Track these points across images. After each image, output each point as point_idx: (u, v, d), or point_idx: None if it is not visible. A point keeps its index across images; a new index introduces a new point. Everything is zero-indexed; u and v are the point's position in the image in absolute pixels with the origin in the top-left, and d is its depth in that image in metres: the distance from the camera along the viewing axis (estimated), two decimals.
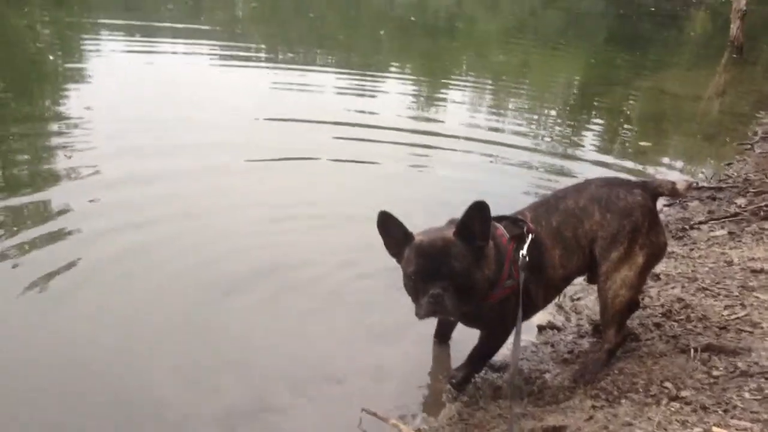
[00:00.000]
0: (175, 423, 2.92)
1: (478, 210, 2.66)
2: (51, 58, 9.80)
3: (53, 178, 5.25)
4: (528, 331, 3.65)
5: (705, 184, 6.20)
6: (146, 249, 4.31)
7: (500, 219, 2.98)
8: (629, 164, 6.98)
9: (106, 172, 5.37)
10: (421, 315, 2.71)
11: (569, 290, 4.03)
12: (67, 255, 4.12)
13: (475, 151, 6.98)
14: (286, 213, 4.95)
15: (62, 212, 4.69)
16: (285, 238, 4.60)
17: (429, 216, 4.86)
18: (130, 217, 4.66)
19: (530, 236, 2.91)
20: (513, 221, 2.99)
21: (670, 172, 6.81)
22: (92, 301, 3.73)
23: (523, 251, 2.86)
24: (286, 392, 3.14)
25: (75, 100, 7.53)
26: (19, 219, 4.57)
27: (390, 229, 2.75)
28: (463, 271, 2.66)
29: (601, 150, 7.53)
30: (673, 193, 3.15)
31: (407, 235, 2.75)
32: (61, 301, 3.69)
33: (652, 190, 3.11)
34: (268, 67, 10.69)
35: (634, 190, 3.07)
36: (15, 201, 4.81)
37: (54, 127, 6.51)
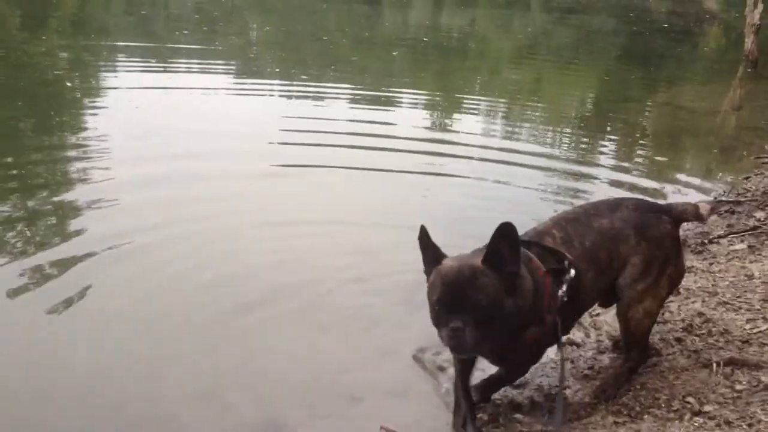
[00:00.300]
0: None
1: (505, 233, 2.43)
2: (68, 84, 9.94)
3: (72, 208, 5.29)
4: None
5: (724, 198, 6.15)
6: (158, 264, 4.35)
7: (530, 245, 2.72)
8: (645, 180, 6.95)
9: (123, 200, 5.37)
10: (444, 346, 2.57)
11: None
12: (81, 272, 4.19)
13: (491, 163, 7.03)
14: (298, 227, 5.00)
15: (79, 231, 4.76)
16: (298, 253, 4.62)
17: (442, 229, 4.92)
18: (143, 235, 4.71)
19: (572, 271, 2.67)
20: (548, 251, 2.72)
21: (686, 189, 6.75)
22: (102, 316, 3.75)
23: (563, 290, 2.63)
24: (300, 410, 3.12)
25: (91, 124, 7.65)
26: (35, 238, 4.64)
27: (426, 246, 2.58)
28: (491, 304, 2.40)
29: (617, 166, 7.50)
30: (697, 218, 3.13)
31: (437, 257, 2.57)
32: (72, 315, 3.73)
33: (677, 216, 3.06)
34: (282, 88, 10.81)
35: (664, 217, 2.99)
36: (30, 218, 4.92)
37: (71, 152, 6.59)
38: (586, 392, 3.17)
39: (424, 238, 2.57)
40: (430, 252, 2.57)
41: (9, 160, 6.14)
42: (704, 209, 3.07)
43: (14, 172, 5.81)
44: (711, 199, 3.18)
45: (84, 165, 6.08)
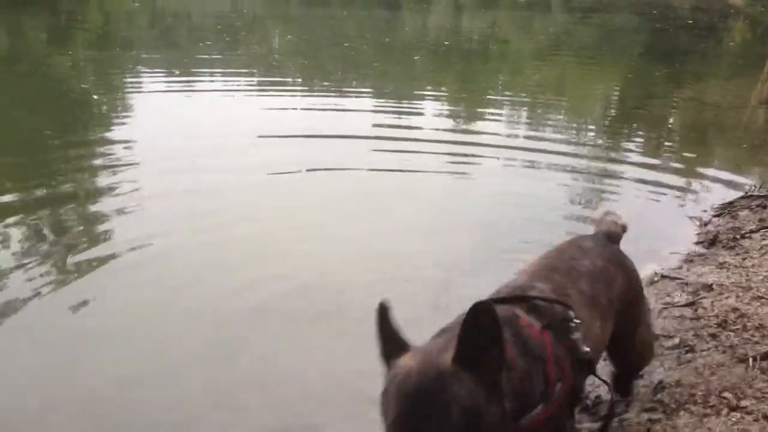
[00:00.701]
0: None
1: (480, 319, 1.65)
2: (95, 97, 10.09)
3: (97, 213, 5.38)
4: None
5: (755, 193, 6.05)
6: (180, 267, 4.40)
7: (512, 300, 2.09)
8: (673, 176, 6.85)
9: (147, 205, 5.44)
10: None
11: None
12: (103, 274, 4.29)
13: (516, 163, 7.00)
14: (322, 230, 5.03)
15: (104, 235, 4.89)
16: (322, 256, 4.65)
17: (469, 231, 4.94)
18: (166, 238, 4.78)
19: (575, 319, 2.08)
20: (539, 304, 2.08)
21: (714, 184, 6.64)
22: (121, 319, 3.80)
23: (585, 348, 2.05)
24: (320, 413, 3.10)
25: (117, 134, 7.80)
26: (61, 241, 4.75)
27: (382, 329, 1.82)
28: (466, 422, 1.61)
29: (644, 163, 7.39)
30: (623, 230, 2.82)
31: (396, 348, 1.78)
32: (91, 318, 3.79)
33: (615, 239, 2.75)
34: (305, 93, 10.87)
35: (614, 246, 2.69)
36: (56, 222, 5.05)
37: (97, 161, 6.70)
38: None
39: (383, 318, 1.82)
40: (388, 338, 1.80)
41: (36, 167, 6.26)
42: (619, 219, 2.84)
43: (41, 180, 5.91)
44: (615, 212, 2.98)
45: (109, 172, 6.20)
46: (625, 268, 2.57)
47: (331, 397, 3.20)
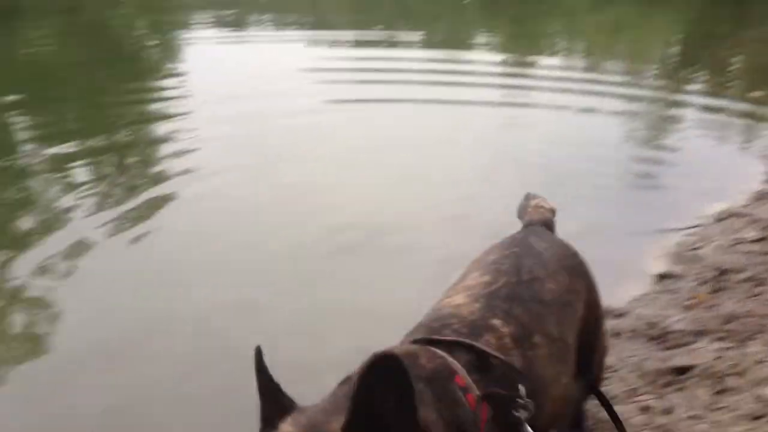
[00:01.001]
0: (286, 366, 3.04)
1: (383, 372, 1.17)
2: (147, 46, 10.24)
3: (160, 157, 5.57)
4: (644, 279, 3.59)
5: None
6: (259, 205, 4.55)
7: (451, 345, 1.55)
8: (739, 117, 6.66)
9: (210, 148, 5.59)
10: None
11: (687, 241, 3.95)
12: (175, 211, 4.48)
13: (573, 103, 6.91)
14: (389, 169, 5.10)
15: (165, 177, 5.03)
16: (391, 194, 4.74)
17: (517, 171, 4.91)
18: (231, 177, 4.93)
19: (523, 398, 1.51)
20: (480, 363, 1.53)
21: None
22: (208, 253, 3.95)
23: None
24: (392, 340, 3.18)
25: (173, 82, 7.98)
26: (126, 184, 4.96)
27: (263, 381, 1.34)
28: None
29: (707, 104, 7.18)
30: (552, 214, 2.29)
31: (279, 408, 1.31)
32: (181, 252, 3.96)
33: (551, 229, 2.23)
34: (356, 37, 10.82)
35: (563, 241, 2.11)
36: (121, 166, 5.31)
37: (156, 106, 6.87)
38: (689, 321, 3.14)
39: (260, 368, 1.36)
40: (267, 395, 1.34)
41: (97, 113, 6.50)
42: (545, 201, 2.35)
43: (103, 127, 6.13)
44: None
45: (167, 119, 6.39)
46: (585, 275, 2.01)
47: (404, 327, 3.28)
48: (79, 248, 3.95)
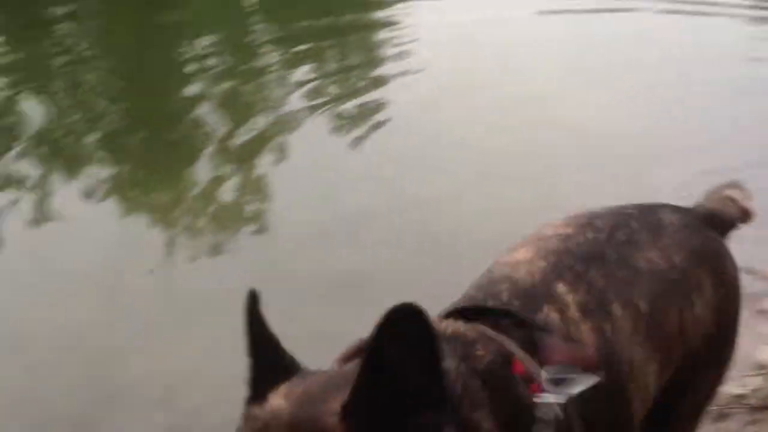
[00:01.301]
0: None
1: (402, 333, 0.88)
2: None
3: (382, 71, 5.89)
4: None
5: None
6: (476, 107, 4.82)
7: (502, 316, 1.23)
8: None
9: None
10: None
11: None
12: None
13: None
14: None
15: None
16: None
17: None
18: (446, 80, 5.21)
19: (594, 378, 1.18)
20: (536, 340, 1.20)
21: None
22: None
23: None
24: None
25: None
26: (346, 88, 5.45)
27: (255, 333, 1.05)
28: None
29: None
30: (743, 215, 1.66)
31: (273, 370, 1.02)
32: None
33: (725, 227, 1.63)
34: None
35: (717, 236, 1.59)
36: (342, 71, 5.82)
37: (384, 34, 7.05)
38: None
39: (252, 313, 1.05)
40: (259, 351, 1.05)
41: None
42: (742, 197, 1.68)
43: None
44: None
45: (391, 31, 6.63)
46: (719, 274, 1.53)
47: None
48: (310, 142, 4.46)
